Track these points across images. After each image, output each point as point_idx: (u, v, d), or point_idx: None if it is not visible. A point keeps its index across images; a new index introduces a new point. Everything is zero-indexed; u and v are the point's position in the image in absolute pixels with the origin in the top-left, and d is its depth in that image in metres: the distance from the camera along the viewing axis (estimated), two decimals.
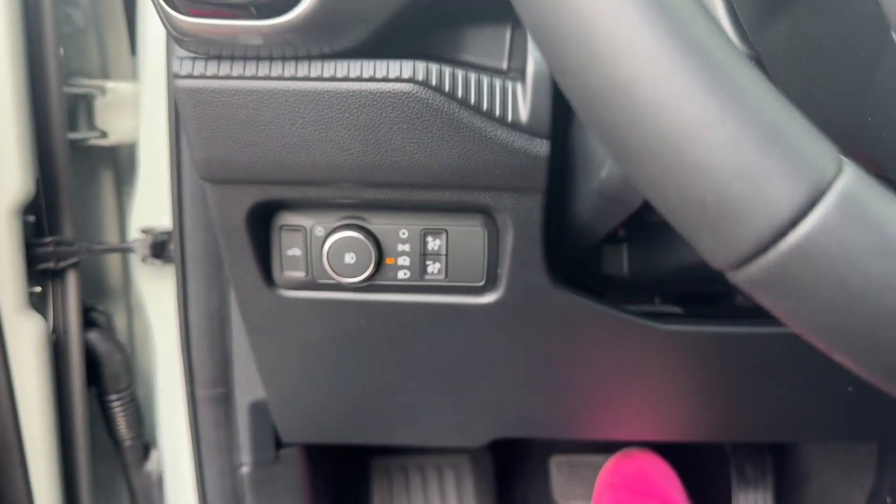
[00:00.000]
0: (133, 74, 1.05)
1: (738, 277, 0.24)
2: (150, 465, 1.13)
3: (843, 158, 0.23)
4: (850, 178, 0.22)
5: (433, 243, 0.69)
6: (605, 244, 0.88)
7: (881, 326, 0.22)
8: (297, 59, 0.55)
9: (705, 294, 1.15)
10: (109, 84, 0.99)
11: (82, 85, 0.98)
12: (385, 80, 0.55)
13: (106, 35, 1.03)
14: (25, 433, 0.93)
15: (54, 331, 0.95)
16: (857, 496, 1.35)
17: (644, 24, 0.22)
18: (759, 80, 0.23)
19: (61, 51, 0.90)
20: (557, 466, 1.42)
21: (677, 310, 0.85)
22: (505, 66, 0.60)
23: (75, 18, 0.97)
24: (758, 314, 0.98)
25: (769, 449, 1.41)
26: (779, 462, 1.42)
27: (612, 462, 1.32)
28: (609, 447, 1.41)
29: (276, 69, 0.55)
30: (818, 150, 0.22)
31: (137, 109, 0.98)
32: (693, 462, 1.39)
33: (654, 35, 0.22)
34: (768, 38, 0.38)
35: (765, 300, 0.24)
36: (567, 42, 0.23)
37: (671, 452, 1.35)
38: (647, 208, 0.63)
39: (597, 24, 0.23)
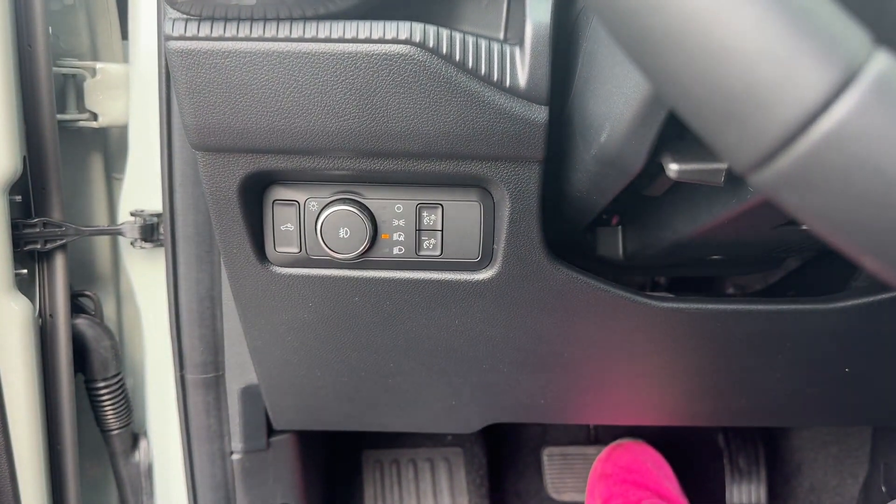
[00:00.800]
0: (123, 57, 1.04)
1: (763, 177, 0.22)
2: (139, 455, 1.11)
3: (875, 41, 0.22)
4: (884, 59, 0.21)
5: (428, 218, 0.68)
6: (599, 227, 0.87)
7: None
8: (290, 19, 0.54)
9: (696, 282, 1.15)
10: (99, 65, 0.98)
11: (72, 65, 0.97)
12: (381, 41, 0.54)
13: (95, 15, 1.02)
14: (11, 420, 0.91)
15: (41, 314, 0.94)
16: (851, 487, 1.35)
17: None
18: None
19: (50, 29, 0.89)
20: (549, 458, 1.41)
21: (669, 296, 0.85)
22: (501, 36, 0.59)
23: None
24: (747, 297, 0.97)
25: (762, 441, 1.41)
26: (772, 454, 1.42)
27: (605, 453, 1.32)
28: (601, 439, 1.41)
29: (270, 30, 0.54)
30: (849, 31, 0.21)
31: (128, 91, 0.97)
32: (686, 454, 1.38)
33: None
34: None
35: (792, 200, 0.22)
36: None
37: (664, 444, 1.34)
38: (642, 181, 0.62)
39: None
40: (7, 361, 0.89)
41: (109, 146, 1.06)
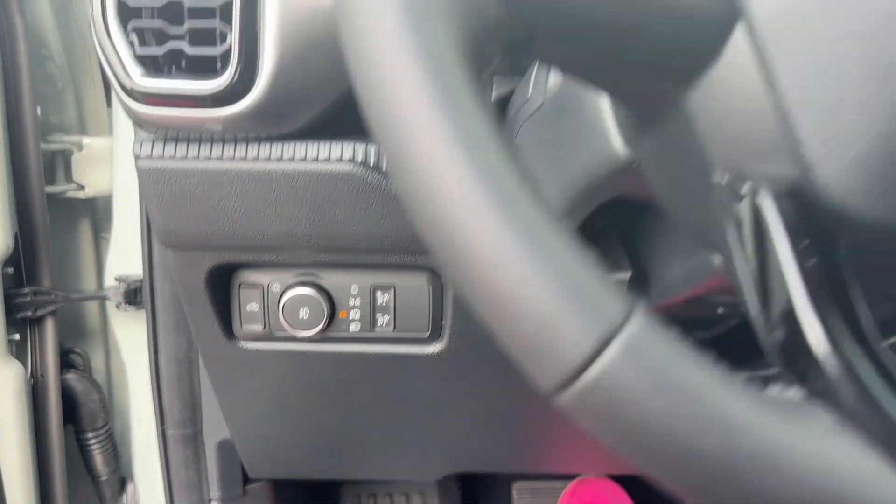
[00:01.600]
0: (109, 129, 1.11)
1: (558, 403, 0.28)
2: (127, 498, 1.17)
3: (634, 306, 0.27)
4: (634, 326, 0.26)
5: (382, 298, 0.74)
6: None
7: (661, 451, 0.26)
8: (247, 140, 0.61)
9: None
10: (86, 139, 1.04)
11: (60, 141, 1.03)
12: (327, 160, 0.61)
13: (83, 91, 1.08)
14: (4, 471, 0.97)
15: (32, 375, 1.00)
16: None
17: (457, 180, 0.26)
18: (565, 238, 0.27)
19: (38, 109, 0.95)
20: (519, 492, 1.47)
21: None
22: None
23: (54, 78, 1.03)
24: None
25: None
26: None
27: (570, 488, 1.38)
28: (569, 475, 1.46)
29: (229, 150, 0.61)
30: (609, 299, 0.26)
31: (112, 163, 1.03)
32: (649, 490, 1.43)
33: (463, 189, 0.26)
34: (644, 148, 0.44)
35: (581, 425, 0.28)
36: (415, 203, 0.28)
37: (627, 481, 1.40)
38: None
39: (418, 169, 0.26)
40: (1, 421, 0.95)
41: (97, 211, 1.12)
